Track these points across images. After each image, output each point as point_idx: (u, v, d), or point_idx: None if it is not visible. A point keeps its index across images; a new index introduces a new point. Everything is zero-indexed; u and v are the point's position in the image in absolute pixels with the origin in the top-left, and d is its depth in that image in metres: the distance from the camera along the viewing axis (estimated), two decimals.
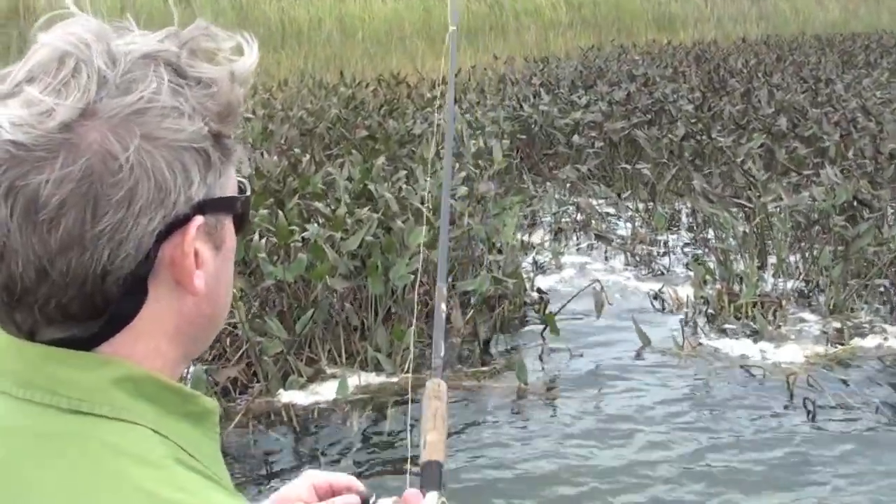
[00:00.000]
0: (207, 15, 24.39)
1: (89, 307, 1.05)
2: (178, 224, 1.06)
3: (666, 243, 9.62)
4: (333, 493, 1.59)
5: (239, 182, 1.16)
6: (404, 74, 16.91)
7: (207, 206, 1.08)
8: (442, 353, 2.26)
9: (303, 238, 7.28)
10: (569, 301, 7.62)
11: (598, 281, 7.66)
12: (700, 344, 7.31)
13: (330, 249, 6.96)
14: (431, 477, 1.80)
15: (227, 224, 1.14)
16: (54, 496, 1.01)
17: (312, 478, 1.60)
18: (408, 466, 1.96)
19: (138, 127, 1.02)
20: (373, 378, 6.73)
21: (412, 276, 7.00)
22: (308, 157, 9.82)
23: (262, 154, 10.04)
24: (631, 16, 29.20)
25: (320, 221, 7.59)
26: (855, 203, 8.92)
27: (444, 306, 2.40)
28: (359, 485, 1.61)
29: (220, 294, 1.15)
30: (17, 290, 1.04)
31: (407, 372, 6.76)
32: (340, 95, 14.18)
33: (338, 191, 8.33)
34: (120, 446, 1.03)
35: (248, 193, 1.19)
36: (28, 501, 1.02)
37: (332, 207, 7.87)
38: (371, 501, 1.58)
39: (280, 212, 7.44)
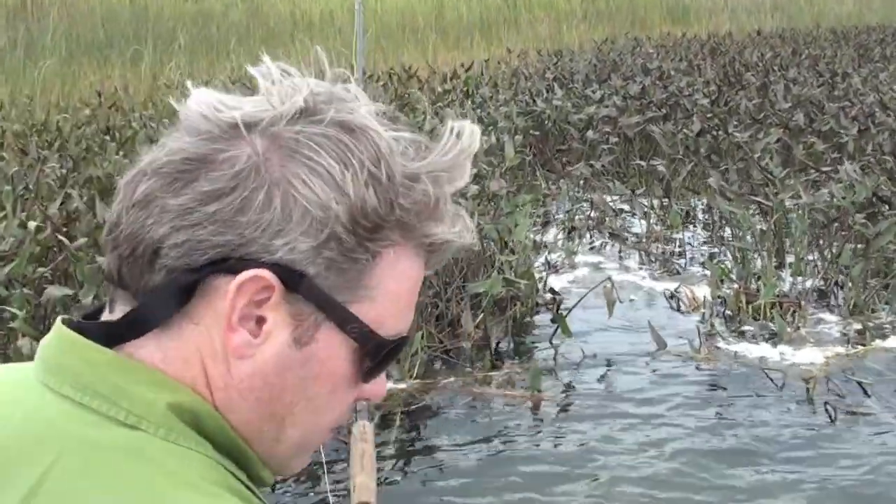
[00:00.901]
0: (217, 9, 24.29)
1: (136, 274, 1.03)
2: (239, 264, 1.01)
3: (682, 241, 9.43)
4: None
5: (395, 339, 1.09)
6: (415, 68, 16.71)
7: (304, 284, 1.02)
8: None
9: None
10: (580, 301, 7.43)
11: (610, 278, 7.46)
12: (717, 347, 7.13)
13: None
14: None
15: (330, 335, 1.05)
16: None
17: None
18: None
19: (302, 159, 1.01)
20: None
21: None
22: None
23: None
24: (645, 7, 28.95)
25: None
26: (875, 200, 8.72)
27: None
28: None
29: (282, 392, 1.06)
30: (122, 267, 1.04)
31: (415, 378, 6.60)
32: None
33: None
34: (172, 468, 0.99)
35: (393, 341, 1.09)
36: None
37: None
38: None
39: None
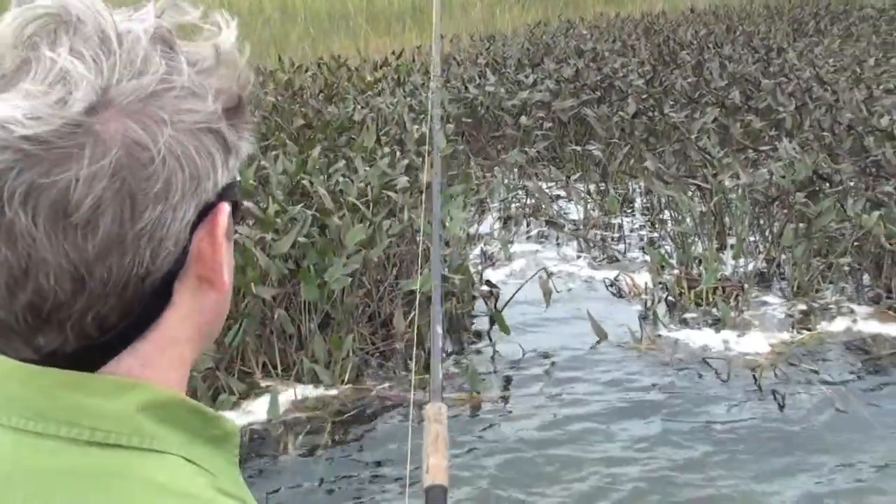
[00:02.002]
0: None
1: (127, 315, 0.96)
2: (205, 213, 0.98)
3: (621, 227, 9.20)
4: None
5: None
6: (345, 57, 16.38)
7: (227, 192, 1.00)
8: (440, 376, 2.37)
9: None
10: (513, 295, 7.18)
11: (545, 269, 7.20)
12: (660, 335, 6.90)
13: (260, 253, 6.49)
14: (437, 501, 1.73)
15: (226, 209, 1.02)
16: None
17: None
18: (406, 489, 1.82)
19: (158, 111, 0.93)
20: (310, 391, 6.25)
21: (350, 279, 6.53)
22: None
23: None
24: None
25: (250, 222, 7.10)
26: (815, 178, 8.52)
27: (439, 328, 2.51)
28: None
29: (231, 285, 1.06)
30: (47, 308, 0.92)
31: (346, 383, 6.31)
32: (277, 81, 13.62)
33: (271, 186, 7.85)
34: (161, 482, 0.94)
35: (238, 177, 1.06)
36: None
37: (264, 205, 7.39)
38: None
39: None
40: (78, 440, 0.94)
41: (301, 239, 6.72)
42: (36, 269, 0.90)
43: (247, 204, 7.32)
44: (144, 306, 0.97)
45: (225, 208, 1.00)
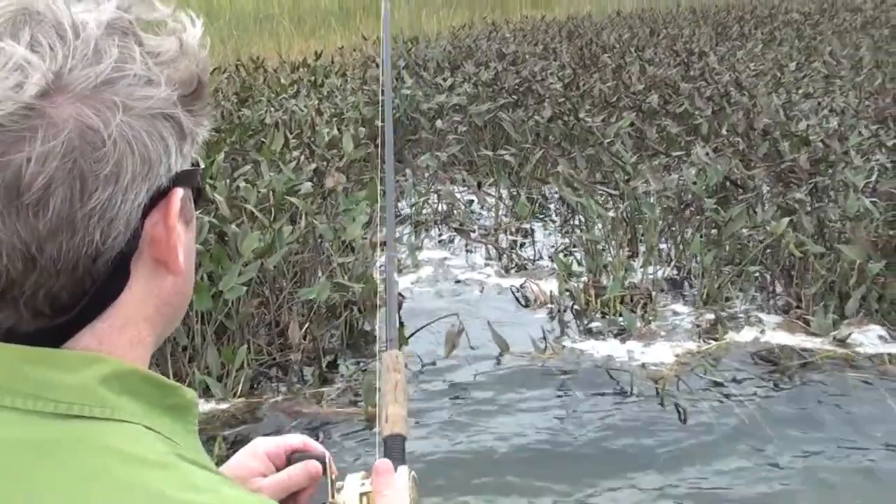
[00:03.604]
0: None
1: (79, 294, 1.00)
2: (159, 198, 1.02)
3: (532, 233, 9.05)
4: (288, 458, 1.55)
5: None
6: (265, 58, 16.13)
7: (182, 178, 1.04)
8: (397, 323, 2.39)
9: None
10: (420, 329, 7.01)
11: (457, 315, 6.94)
12: (564, 346, 6.75)
13: None
14: (396, 450, 1.71)
15: (190, 197, 1.10)
16: None
17: (262, 445, 1.55)
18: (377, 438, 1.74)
19: (112, 97, 0.97)
20: (202, 405, 6.02)
21: (245, 288, 6.31)
22: None
23: None
24: None
25: None
26: (727, 184, 8.43)
27: (395, 276, 2.59)
28: (313, 444, 1.58)
29: (191, 271, 1.13)
30: (1, 285, 0.97)
31: (239, 396, 6.10)
32: None
33: None
34: (122, 449, 0.97)
35: (202, 165, 1.12)
36: None
37: None
38: (327, 461, 1.54)
39: None
40: (43, 412, 0.98)
41: (196, 247, 6.48)
42: None
43: None
44: (102, 286, 1.01)
45: (178, 193, 1.03)
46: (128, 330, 1.05)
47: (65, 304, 1.00)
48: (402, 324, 6.77)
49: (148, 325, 1.07)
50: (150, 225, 1.02)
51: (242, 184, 7.65)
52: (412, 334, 6.72)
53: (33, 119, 0.93)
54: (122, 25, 1.00)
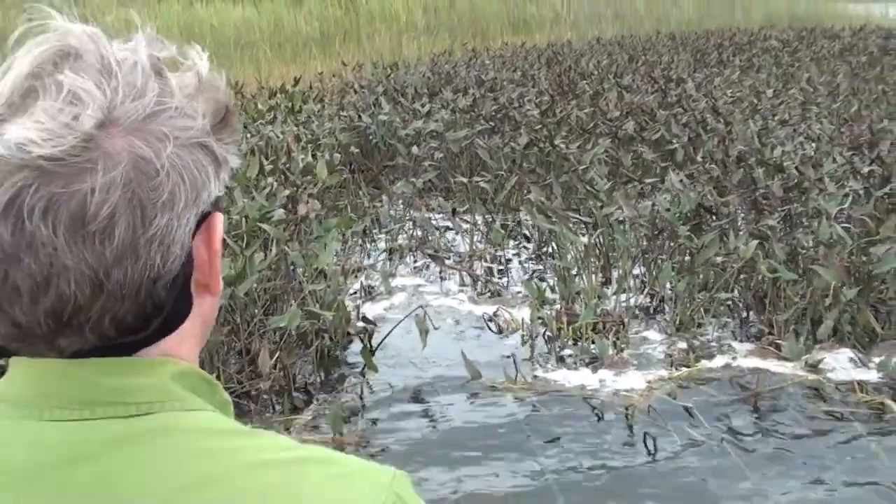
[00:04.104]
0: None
1: (142, 317, 1.04)
2: (201, 222, 1.07)
3: (506, 260, 9.05)
4: None
5: None
6: (244, 84, 16.12)
7: (217, 204, 1.10)
8: None
9: None
10: (388, 334, 6.99)
11: (422, 306, 7.00)
12: (535, 375, 6.73)
13: None
14: None
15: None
16: (180, 486, 1.02)
17: None
18: None
19: (159, 128, 1.02)
20: None
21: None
22: None
23: None
24: (487, 19, 28.73)
25: None
26: (701, 210, 8.44)
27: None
28: None
29: (215, 300, 1.18)
30: (68, 312, 1.01)
31: None
32: None
33: None
34: (211, 427, 1.06)
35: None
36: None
37: None
38: None
39: None
40: (126, 416, 1.04)
41: None
42: (57, 276, 0.99)
43: None
44: (175, 304, 1.06)
45: (219, 217, 1.11)
46: (183, 347, 1.12)
47: (129, 326, 1.04)
48: (372, 351, 6.76)
49: (196, 343, 1.15)
50: (195, 249, 1.08)
51: None
52: (378, 345, 6.75)
53: (92, 151, 0.98)
54: (154, 62, 1.06)
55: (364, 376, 6.69)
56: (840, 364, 6.85)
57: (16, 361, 1.08)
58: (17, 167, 0.97)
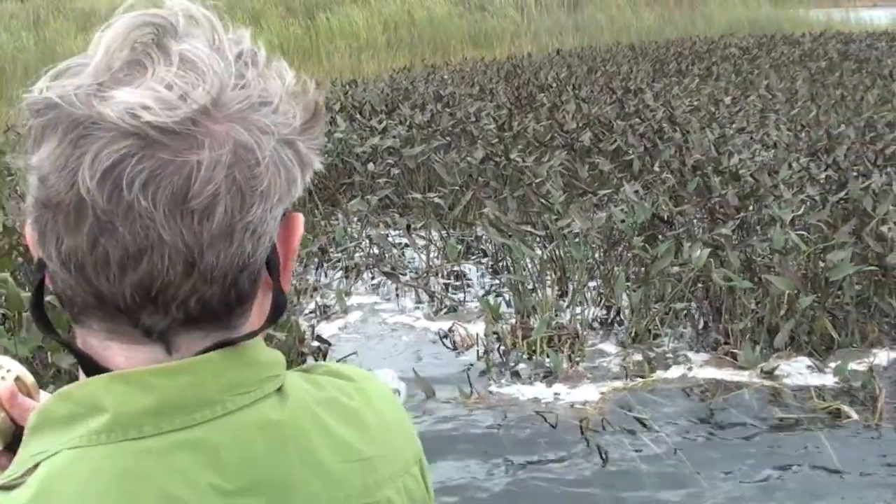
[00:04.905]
0: (8, 50, 23.30)
1: (225, 303, 1.04)
2: (282, 220, 1.07)
3: (463, 275, 9.00)
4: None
5: None
6: None
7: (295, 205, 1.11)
8: None
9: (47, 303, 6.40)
10: (344, 358, 6.94)
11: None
12: (490, 390, 6.68)
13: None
14: None
15: None
16: (363, 429, 1.16)
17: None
18: None
19: (261, 120, 1.01)
20: None
21: None
22: None
23: (18, 206, 9.19)
24: (447, 34, 28.73)
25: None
26: (655, 221, 8.42)
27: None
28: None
29: None
30: (156, 287, 0.99)
31: None
32: None
33: None
34: (334, 380, 1.19)
35: None
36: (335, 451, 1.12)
37: None
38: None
39: (13, 277, 6.54)
40: (271, 393, 1.08)
41: None
42: (150, 249, 0.97)
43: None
44: (251, 300, 1.07)
45: (301, 219, 1.12)
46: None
47: (213, 311, 1.03)
48: None
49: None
50: (278, 244, 1.08)
51: None
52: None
53: (198, 129, 0.97)
54: (256, 57, 1.06)
55: None
56: (797, 371, 6.85)
57: (120, 378, 1.04)
58: (123, 133, 0.95)
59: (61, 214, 0.98)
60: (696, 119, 13.36)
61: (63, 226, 0.98)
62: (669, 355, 7.17)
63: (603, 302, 7.98)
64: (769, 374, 6.74)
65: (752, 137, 12.41)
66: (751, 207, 8.85)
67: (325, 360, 6.90)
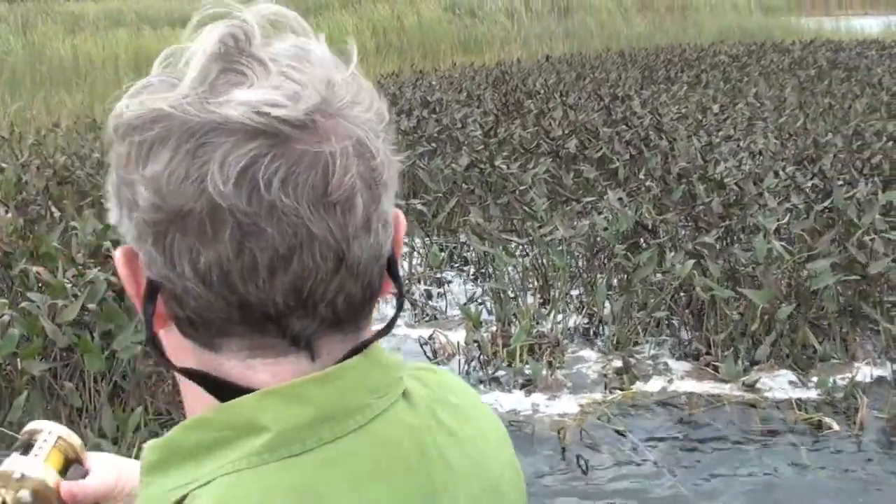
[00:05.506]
0: None
1: (363, 300, 1.02)
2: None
3: (446, 283, 8.94)
4: None
5: None
6: None
7: None
8: None
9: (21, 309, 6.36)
10: None
11: None
12: None
13: (48, 321, 6.10)
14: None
15: None
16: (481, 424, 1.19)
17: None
18: None
19: (363, 115, 1.00)
20: None
21: (140, 346, 6.16)
22: (48, 212, 8.89)
23: (5, 210, 9.14)
24: (437, 39, 28.70)
25: (42, 288, 6.69)
26: (638, 229, 8.37)
27: None
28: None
29: None
30: (308, 287, 0.97)
31: (137, 457, 5.92)
32: (103, 137, 13.15)
33: (72, 249, 7.46)
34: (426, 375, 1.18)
35: None
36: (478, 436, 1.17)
37: (65, 269, 7.02)
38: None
39: None
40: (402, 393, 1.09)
41: (91, 305, 6.35)
42: (300, 247, 0.95)
43: (36, 269, 6.94)
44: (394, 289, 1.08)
45: (402, 213, 1.09)
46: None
47: (355, 308, 1.02)
48: None
49: None
50: None
51: None
52: None
53: (323, 123, 0.96)
54: (341, 59, 1.04)
55: None
56: (778, 384, 6.80)
57: (273, 394, 1.01)
58: (248, 134, 0.93)
59: (193, 224, 0.94)
60: (684, 127, 13.31)
61: (198, 237, 0.94)
62: (650, 364, 7.12)
63: (585, 310, 7.93)
64: (750, 387, 6.69)
65: (738, 145, 12.36)
66: (735, 216, 8.80)
67: None
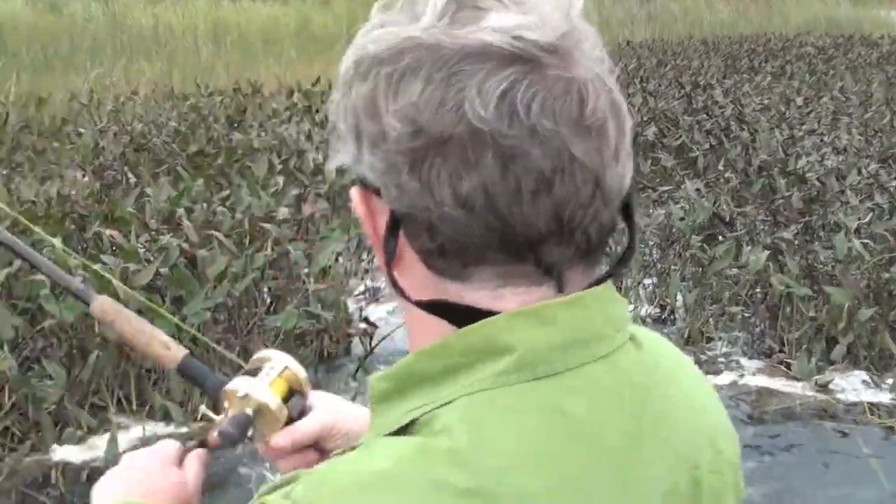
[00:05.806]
0: (79, 21, 23.44)
1: (609, 230, 1.01)
2: None
3: None
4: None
5: None
6: (262, 83, 16.01)
7: None
8: None
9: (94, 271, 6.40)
10: (385, 337, 6.85)
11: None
12: None
13: (120, 284, 6.11)
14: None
15: None
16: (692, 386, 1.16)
17: None
18: None
19: (590, 51, 0.98)
20: (161, 428, 5.95)
21: (209, 312, 6.18)
22: (124, 178, 8.95)
23: (82, 174, 9.22)
24: None
25: (115, 251, 6.74)
26: (715, 220, 8.25)
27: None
28: None
29: None
30: (568, 211, 0.96)
31: (200, 420, 5.95)
32: (181, 106, 13.24)
33: (146, 215, 7.50)
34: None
35: None
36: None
37: (138, 234, 7.06)
38: None
39: (61, 241, 6.52)
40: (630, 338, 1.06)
41: (163, 270, 6.39)
42: (562, 171, 0.94)
43: (110, 232, 6.97)
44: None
45: None
46: None
47: (603, 240, 1.00)
48: (368, 353, 6.64)
49: None
50: None
51: (218, 209, 7.53)
52: (377, 344, 6.77)
53: (572, 50, 0.95)
54: None
55: (355, 378, 6.57)
56: (851, 386, 6.64)
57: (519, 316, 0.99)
58: (504, 59, 0.93)
59: (454, 150, 0.93)
60: (766, 118, 13.12)
61: (460, 162, 0.94)
62: (721, 360, 7.01)
63: (658, 300, 7.83)
64: (823, 387, 6.56)
65: (822, 140, 12.15)
66: (815, 212, 8.64)
67: (371, 341, 6.84)
